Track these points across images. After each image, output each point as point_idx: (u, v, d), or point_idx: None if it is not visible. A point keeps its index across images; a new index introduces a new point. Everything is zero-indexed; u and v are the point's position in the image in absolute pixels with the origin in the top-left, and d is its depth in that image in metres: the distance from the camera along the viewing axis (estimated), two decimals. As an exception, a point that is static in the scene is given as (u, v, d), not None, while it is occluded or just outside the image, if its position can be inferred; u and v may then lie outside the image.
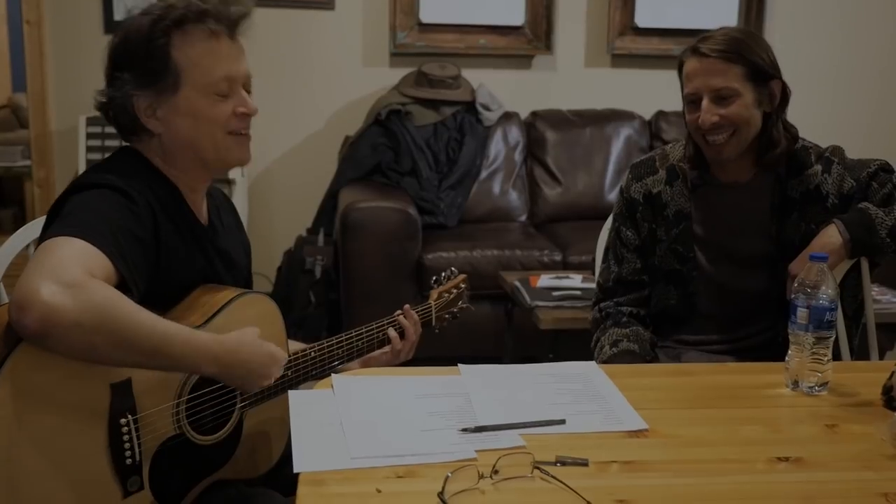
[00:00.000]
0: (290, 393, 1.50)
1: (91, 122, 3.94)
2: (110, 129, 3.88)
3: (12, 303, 1.26)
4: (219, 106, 1.56)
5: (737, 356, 2.04)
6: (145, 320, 1.33)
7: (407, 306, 1.87)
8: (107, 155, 4.03)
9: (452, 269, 2.04)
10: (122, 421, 1.38)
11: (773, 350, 1.94)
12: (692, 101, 1.96)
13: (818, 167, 2.01)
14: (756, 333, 2.04)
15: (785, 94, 1.98)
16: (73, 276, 1.27)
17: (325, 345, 1.69)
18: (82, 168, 3.90)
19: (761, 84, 1.94)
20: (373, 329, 1.79)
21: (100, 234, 1.37)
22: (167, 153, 1.58)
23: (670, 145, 2.14)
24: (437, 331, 1.96)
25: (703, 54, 1.92)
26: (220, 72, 1.56)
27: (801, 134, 2.07)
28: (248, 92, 1.62)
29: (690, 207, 2.05)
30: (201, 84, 1.54)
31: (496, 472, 1.24)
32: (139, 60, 1.53)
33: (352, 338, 1.74)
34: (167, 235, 1.51)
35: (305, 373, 1.65)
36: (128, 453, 1.39)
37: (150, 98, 1.54)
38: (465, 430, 1.38)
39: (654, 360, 2.05)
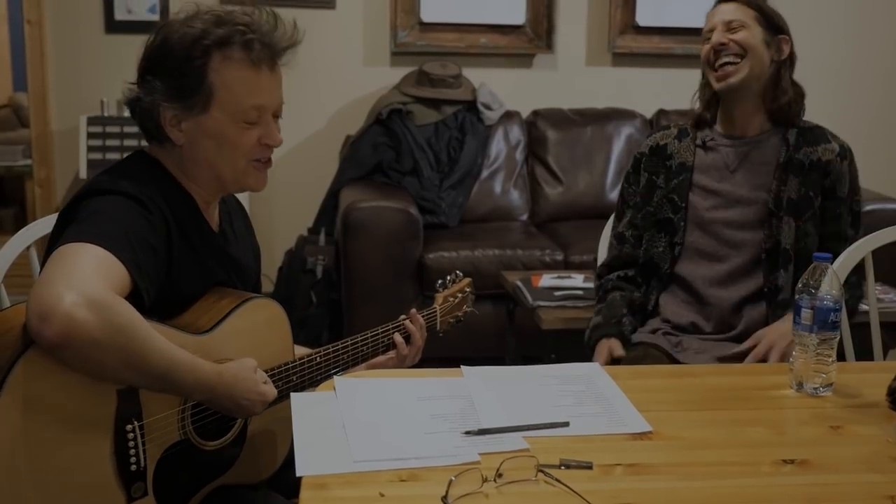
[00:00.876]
0: (293, 395, 1.50)
1: (92, 121, 3.94)
2: (112, 129, 3.94)
3: (32, 311, 1.25)
4: (245, 133, 1.55)
5: (735, 339, 2.07)
6: (158, 347, 1.34)
7: (413, 311, 1.86)
8: (108, 155, 4.03)
9: (458, 272, 2.04)
10: (128, 427, 1.38)
11: (761, 302, 2.07)
12: (708, 39, 2.12)
13: (835, 146, 2.12)
14: (744, 290, 2.10)
15: (792, 54, 2.12)
16: (97, 291, 1.27)
17: (331, 350, 1.68)
18: (83, 167, 3.89)
19: (771, 32, 2.10)
20: (378, 334, 1.78)
21: (116, 242, 1.36)
22: (185, 165, 1.58)
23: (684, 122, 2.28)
24: (441, 335, 1.95)
25: (723, 0, 2.14)
26: (252, 101, 1.54)
27: None
28: (278, 117, 1.61)
29: (694, 161, 2.16)
30: (231, 110, 1.53)
31: (500, 475, 1.23)
32: (174, 73, 1.51)
33: (357, 343, 1.73)
34: (179, 244, 1.51)
35: (311, 378, 1.64)
36: (133, 459, 1.39)
37: (178, 111, 1.53)
38: (468, 432, 1.37)
39: (622, 322, 2.14)
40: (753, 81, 2.09)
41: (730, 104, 2.14)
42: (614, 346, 2.10)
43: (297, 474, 1.25)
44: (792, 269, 2.07)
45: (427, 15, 4.35)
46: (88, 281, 1.28)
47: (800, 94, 2.14)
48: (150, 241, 1.44)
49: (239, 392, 1.44)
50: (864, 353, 2.10)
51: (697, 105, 2.21)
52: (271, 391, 1.50)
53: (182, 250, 1.52)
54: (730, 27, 2.09)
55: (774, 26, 2.11)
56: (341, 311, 3.78)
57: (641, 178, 2.22)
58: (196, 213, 1.59)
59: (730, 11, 2.12)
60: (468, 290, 2.01)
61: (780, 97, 2.10)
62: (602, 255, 2.33)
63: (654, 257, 2.17)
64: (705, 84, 2.17)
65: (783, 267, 2.07)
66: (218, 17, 1.53)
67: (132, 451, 1.39)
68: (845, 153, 2.13)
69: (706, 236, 2.13)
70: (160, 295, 1.46)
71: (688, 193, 2.15)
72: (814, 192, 2.09)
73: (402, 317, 1.84)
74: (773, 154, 2.12)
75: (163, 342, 1.35)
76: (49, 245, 1.47)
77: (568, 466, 1.28)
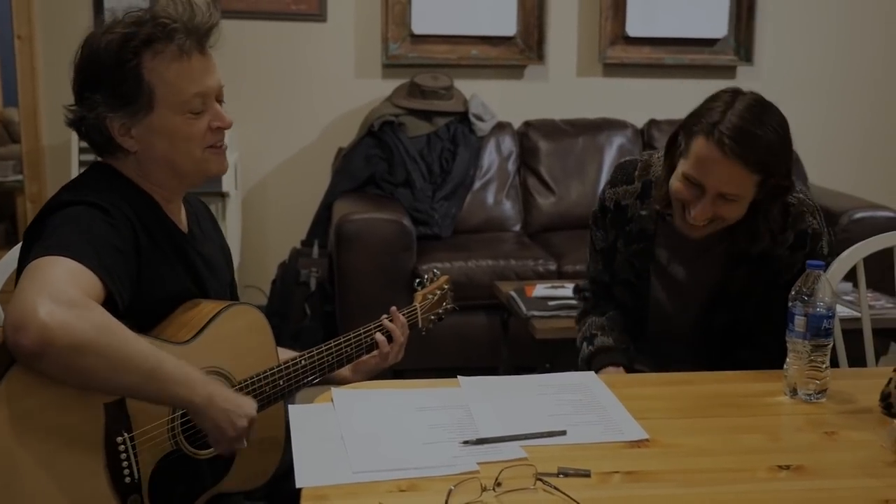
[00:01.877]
0: (291, 408, 1.50)
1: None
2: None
3: (7, 324, 1.25)
4: (194, 124, 1.55)
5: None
6: (139, 344, 1.34)
7: (394, 309, 1.87)
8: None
9: (435, 270, 2.06)
10: (119, 440, 1.38)
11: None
12: (693, 183, 1.77)
13: (789, 238, 1.88)
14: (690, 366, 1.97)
15: (789, 183, 1.82)
16: (70, 295, 1.28)
17: (315, 352, 1.69)
18: (75, 182, 3.89)
19: (768, 183, 1.78)
20: (360, 334, 1.79)
21: (83, 251, 1.37)
22: (143, 169, 1.58)
23: (657, 157, 2.00)
24: (423, 332, 1.96)
25: (724, 147, 1.70)
26: (192, 89, 1.54)
27: (794, 143, 1.91)
28: (221, 101, 1.61)
29: (654, 230, 1.98)
30: (175, 103, 1.53)
31: (499, 484, 1.24)
32: (110, 83, 1.51)
33: (340, 344, 1.74)
34: (147, 246, 1.51)
35: (297, 381, 1.64)
36: (126, 472, 1.39)
37: (124, 119, 1.53)
38: (466, 442, 1.38)
39: (629, 348, 2.03)
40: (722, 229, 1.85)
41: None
42: (622, 377, 1.95)
43: (297, 486, 1.26)
44: (727, 351, 2.00)
45: (418, 27, 4.37)
46: (60, 287, 1.29)
47: (779, 229, 1.85)
48: (118, 246, 1.44)
49: (229, 400, 1.43)
50: (857, 359, 2.11)
51: (660, 183, 1.90)
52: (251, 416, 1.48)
53: (150, 251, 1.52)
54: (724, 197, 1.75)
55: (776, 189, 1.79)
56: (335, 323, 3.78)
57: (609, 233, 2.03)
58: (160, 215, 1.59)
59: (732, 180, 1.73)
60: (446, 287, 2.02)
61: (750, 243, 1.85)
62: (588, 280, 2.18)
63: (625, 310, 2.07)
64: (669, 173, 1.85)
65: (713, 348, 2.01)
66: (136, 17, 1.54)
67: (125, 464, 1.39)
68: (804, 241, 1.87)
69: (660, 311, 2.03)
70: (136, 298, 1.46)
71: (649, 265, 1.99)
72: (758, 284, 1.91)
73: (384, 316, 1.85)
74: (724, 246, 1.90)
75: (145, 343, 1.35)
76: (19, 265, 1.47)
77: (566, 474, 1.29)
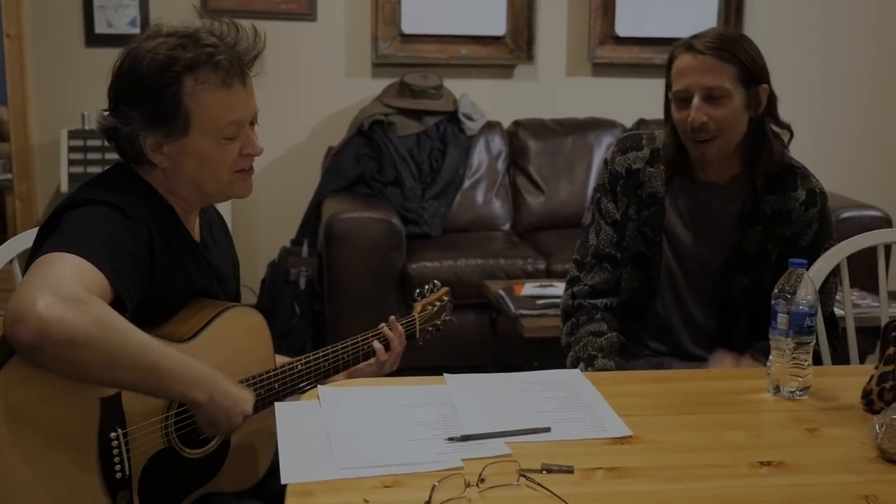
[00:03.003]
0: (277, 405, 1.51)
1: (73, 135, 3.93)
2: (93, 143, 3.93)
3: (6, 315, 1.26)
4: (226, 149, 1.56)
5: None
6: (140, 340, 1.34)
7: (392, 318, 1.87)
8: (89, 168, 4.03)
9: (435, 281, 2.05)
10: (112, 435, 1.39)
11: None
12: (682, 99, 1.94)
13: (801, 194, 2.00)
14: (705, 333, 2.06)
15: (771, 100, 1.97)
16: (70, 291, 1.28)
17: (312, 358, 1.70)
18: (64, 181, 3.88)
19: (750, 87, 1.93)
20: (358, 342, 1.79)
21: (95, 251, 1.37)
22: (168, 182, 1.59)
23: (659, 131, 2.11)
24: (420, 343, 1.97)
25: (697, 51, 1.91)
26: (229, 118, 1.55)
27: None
28: (255, 124, 1.62)
29: (665, 193, 2.04)
30: (210, 129, 1.54)
31: (482, 480, 1.25)
32: (149, 103, 1.51)
33: (337, 350, 1.75)
34: (161, 252, 1.52)
35: (292, 385, 1.65)
36: (117, 467, 1.40)
37: (158, 137, 1.53)
38: (451, 439, 1.39)
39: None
40: (731, 146, 1.96)
41: (704, 162, 2.00)
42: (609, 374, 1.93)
43: (283, 482, 1.26)
44: (745, 321, 2.04)
45: (408, 26, 4.37)
46: (62, 283, 1.29)
47: (781, 142, 2.00)
48: (131, 249, 1.45)
49: (229, 396, 1.45)
50: (842, 359, 2.12)
51: (666, 140, 2.03)
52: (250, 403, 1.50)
53: (165, 257, 1.53)
54: (710, 95, 1.90)
55: (754, 78, 1.93)
56: (325, 322, 3.79)
57: (621, 201, 2.07)
58: (177, 223, 1.60)
59: (709, 73, 1.89)
60: (446, 298, 2.03)
61: (758, 152, 1.96)
62: (577, 266, 2.15)
63: (631, 296, 2.08)
64: (671, 136, 2.01)
65: (733, 322, 2.05)
66: (182, 39, 1.53)
67: (117, 459, 1.39)
68: (814, 198, 1.99)
69: (670, 276, 2.06)
70: (144, 302, 1.46)
71: (661, 230, 2.04)
72: (772, 244, 2.00)
73: (382, 324, 1.85)
74: (737, 204, 2.01)
75: (147, 337, 1.35)
76: (29, 257, 1.47)
77: (549, 471, 1.30)
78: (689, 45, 1.93)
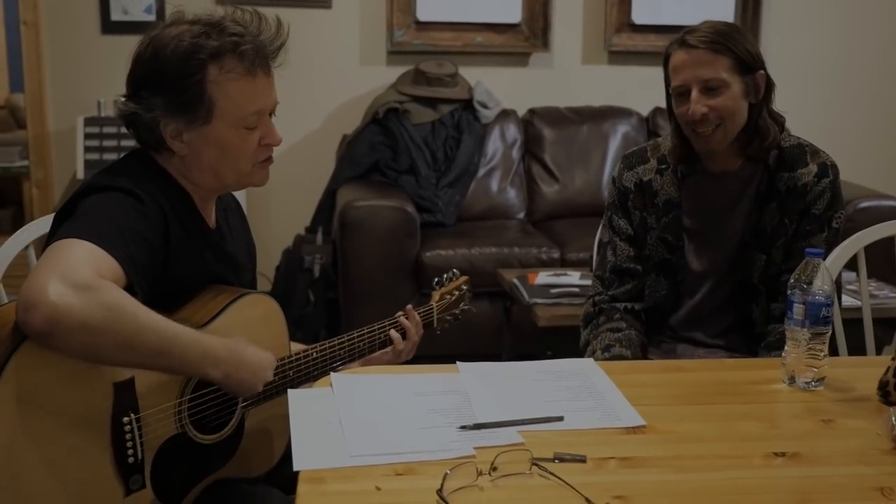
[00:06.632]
0: (290, 392, 1.51)
1: (89, 122, 3.94)
2: (108, 130, 3.94)
3: (19, 301, 1.27)
4: (247, 138, 1.57)
5: (726, 349, 2.07)
6: (152, 322, 1.35)
7: (409, 307, 1.87)
8: (105, 155, 4.04)
9: (454, 270, 2.04)
10: (125, 420, 1.39)
11: (750, 336, 2.05)
12: (681, 94, 1.98)
13: (813, 168, 2.02)
14: (735, 322, 2.07)
15: (769, 86, 2.00)
16: (82, 277, 1.29)
17: (328, 345, 1.70)
18: (80, 168, 3.90)
19: (747, 75, 1.96)
20: (374, 330, 1.79)
21: (109, 237, 1.38)
22: (186, 169, 1.59)
23: (661, 138, 2.17)
24: (438, 332, 1.96)
25: (690, 45, 1.95)
26: (252, 108, 1.55)
27: (798, 132, 2.08)
28: (273, 114, 1.62)
29: (680, 196, 2.07)
30: (233, 118, 1.54)
31: (494, 468, 1.24)
32: (172, 90, 1.51)
33: (353, 338, 1.75)
34: (177, 239, 1.52)
35: (307, 373, 1.65)
36: (130, 452, 1.40)
37: (180, 125, 1.53)
38: (463, 427, 1.39)
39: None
40: (734, 133, 1.98)
41: (709, 153, 2.03)
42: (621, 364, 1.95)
43: (294, 469, 1.27)
44: (763, 302, 2.04)
45: (423, 14, 4.36)
46: (74, 269, 1.29)
47: (780, 127, 2.02)
48: (146, 236, 1.45)
49: (250, 357, 1.46)
50: (858, 350, 2.11)
51: (671, 138, 2.08)
52: (271, 357, 1.53)
53: (180, 245, 1.53)
54: (707, 86, 1.93)
55: (750, 66, 1.96)
56: (339, 310, 3.79)
57: (633, 215, 2.11)
58: (193, 210, 1.60)
59: (704, 66, 1.93)
60: (465, 287, 2.02)
61: (761, 139, 1.99)
62: (599, 282, 2.17)
63: (658, 303, 2.10)
64: (676, 130, 2.05)
65: (753, 301, 2.05)
66: (206, 27, 1.53)
67: (129, 444, 1.40)
68: (826, 170, 2.02)
69: (697, 277, 2.07)
70: (158, 288, 1.47)
71: (682, 233, 2.07)
72: (790, 219, 2.02)
73: (399, 313, 1.85)
74: (752, 184, 2.03)
75: (160, 319, 1.36)
76: (45, 243, 1.48)
77: (562, 460, 1.30)
78: (682, 40, 1.97)
